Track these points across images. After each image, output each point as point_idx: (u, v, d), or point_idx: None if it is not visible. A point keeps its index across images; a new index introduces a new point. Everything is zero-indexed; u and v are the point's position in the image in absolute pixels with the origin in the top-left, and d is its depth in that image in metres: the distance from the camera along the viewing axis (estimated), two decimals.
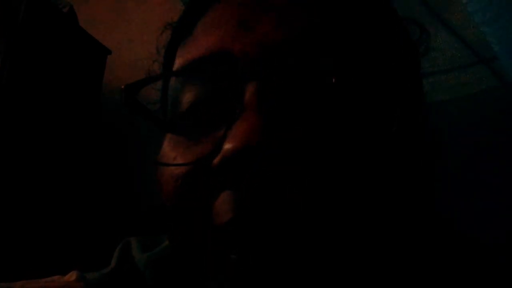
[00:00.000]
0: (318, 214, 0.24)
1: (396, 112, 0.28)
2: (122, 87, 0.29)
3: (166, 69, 0.35)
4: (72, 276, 0.34)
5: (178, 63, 0.32)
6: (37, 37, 1.21)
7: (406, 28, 0.33)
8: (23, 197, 1.14)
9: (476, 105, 1.88)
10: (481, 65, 1.86)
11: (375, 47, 0.29)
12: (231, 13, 0.30)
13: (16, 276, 0.34)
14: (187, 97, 0.29)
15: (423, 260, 0.29)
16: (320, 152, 0.25)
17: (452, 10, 1.51)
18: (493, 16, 1.28)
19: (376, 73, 0.28)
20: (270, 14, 0.28)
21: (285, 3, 0.29)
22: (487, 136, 1.79)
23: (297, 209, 0.24)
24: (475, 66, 1.86)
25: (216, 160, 0.25)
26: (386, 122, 0.27)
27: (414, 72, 0.32)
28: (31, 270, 0.41)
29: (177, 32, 0.34)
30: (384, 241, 0.26)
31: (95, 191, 1.34)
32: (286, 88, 0.26)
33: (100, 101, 1.38)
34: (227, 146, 0.25)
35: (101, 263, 0.36)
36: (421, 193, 0.29)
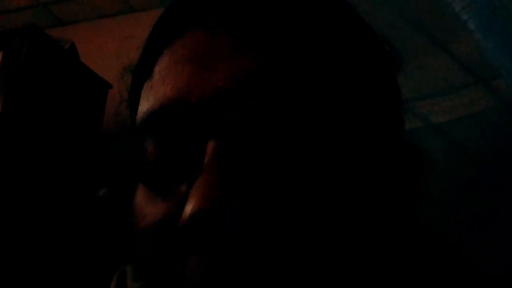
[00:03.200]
0: (294, 266, 0.25)
1: (370, 146, 0.27)
2: None
3: (132, 113, 0.33)
4: None
5: (139, 111, 0.31)
6: (39, 73, 1.23)
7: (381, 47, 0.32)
8: (25, 230, 1.14)
9: (476, 124, 1.89)
10: (479, 85, 1.88)
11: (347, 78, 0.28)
12: (187, 56, 0.28)
13: (15, 283, 0.34)
14: (150, 148, 0.29)
15: (405, 272, 0.29)
16: (285, 201, 0.25)
17: (451, 34, 1.54)
18: (495, 30, 1.29)
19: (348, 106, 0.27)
20: (226, 57, 0.27)
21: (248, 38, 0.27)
22: (488, 155, 1.79)
23: (268, 268, 0.24)
24: (473, 87, 1.88)
25: (179, 223, 0.25)
26: (358, 157, 0.27)
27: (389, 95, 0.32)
28: (31, 275, 0.41)
29: (136, 76, 0.33)
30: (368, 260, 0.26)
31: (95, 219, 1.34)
32: (247, 142, 0.26)
33: (101, 133, 1.39)
34: (186, 209, 0.25)
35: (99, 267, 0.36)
36: (406, 210, 0.29)
